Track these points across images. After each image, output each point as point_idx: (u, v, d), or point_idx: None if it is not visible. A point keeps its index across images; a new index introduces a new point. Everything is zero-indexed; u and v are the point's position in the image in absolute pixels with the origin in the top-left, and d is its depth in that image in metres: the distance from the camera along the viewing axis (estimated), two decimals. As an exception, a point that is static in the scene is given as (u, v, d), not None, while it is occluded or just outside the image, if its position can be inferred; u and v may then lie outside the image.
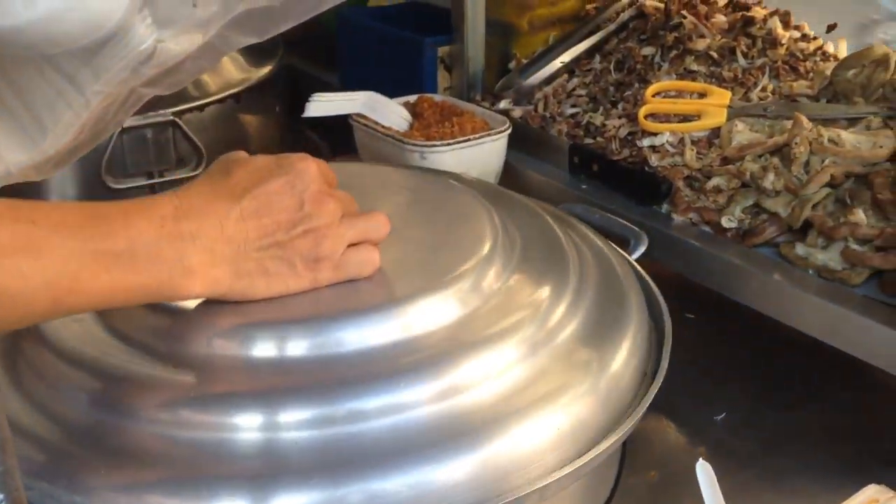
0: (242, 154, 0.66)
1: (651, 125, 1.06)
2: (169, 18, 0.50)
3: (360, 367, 0.63)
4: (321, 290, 0.66)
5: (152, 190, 1.17)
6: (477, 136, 1.09)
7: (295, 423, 0.59)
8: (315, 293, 0.66)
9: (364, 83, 1.34)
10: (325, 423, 0.59)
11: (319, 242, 0.64)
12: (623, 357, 0.71)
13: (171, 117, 1.15)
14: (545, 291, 0.72)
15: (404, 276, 0.70)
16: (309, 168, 0.64)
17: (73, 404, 0.62)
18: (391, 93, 1.20)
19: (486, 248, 0.72)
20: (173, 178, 1.18)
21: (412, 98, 1.21)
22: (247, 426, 0.59)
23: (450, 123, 1.12)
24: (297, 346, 0.63)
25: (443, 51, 1.30)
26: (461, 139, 1.08)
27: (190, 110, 1.17)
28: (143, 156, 1.16)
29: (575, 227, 0.89)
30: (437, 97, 1.22)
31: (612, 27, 1.27)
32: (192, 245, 0.59)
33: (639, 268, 0.85)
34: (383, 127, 1.13)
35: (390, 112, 1.16)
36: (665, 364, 0.71)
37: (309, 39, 1.44)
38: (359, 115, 1.15)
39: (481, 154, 1.10)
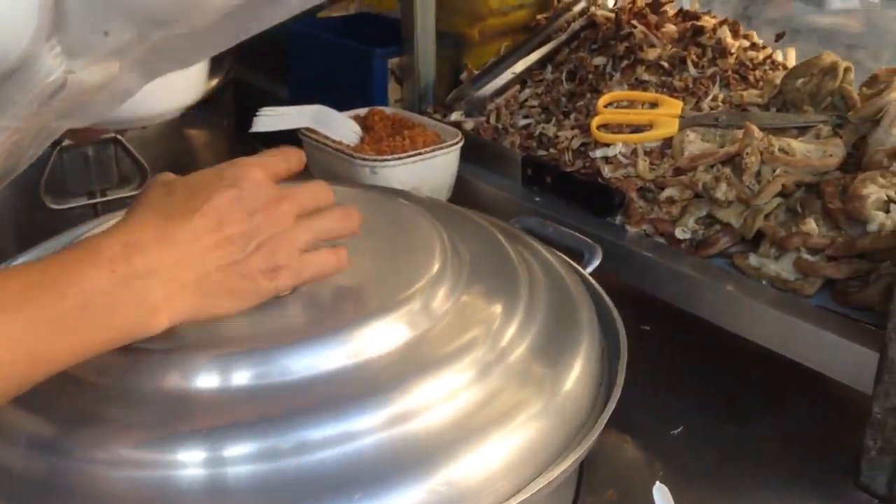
0: (170, 175, 0.63)
1: (603, 136, 1.05)
2: (80, 48, 0.48)
3: (307, 396, 0.60)
4: (266, 317, 0.64)
5: (94, 210, 1.13)
6: (428, 149, 1.08)
7: (240, 457, 0.57)
8: (260, 320, 0.64)
9: (315, 96, 1.31)
10: (271, 455, 0.57)
11: (275, 252, 0.61)
12: (576, 375, 0.69)
13: (113, 134, 1.12)
14: (496, 310, 0.71)
15: (351, 299, 0.68)
16: (252, 175, 0.61)
17: (14, 446, 0.59)
18: (342, 105, 1.18)
19: (435, 268, 0.71)
20: (116, 196, 1.14)
21: (363, 111, 1.20)
22: (191, 462, 0.56)
23: (401, 137, 1.10)
24: (242, 377, 0.61)
25: (393, 62, 1.28)
26: (412, 153, 1.06)
27: (133, 127, 1.14)
28: (84, 175, 1.13)
29: (526, 243, 0.88)
30: (388, 110, 1.21)
31: (563, 37, 1.26)
32: (151, 281, 0.56)
33: (593, 282, 0.84)
34: (333, 141, 1.12)
35: (340, 126, 1.14)
36: (620, 382, 0.70)
37: (258, 51, 1.41)
38: (308, 129, 1.13)
39: (433, 168, 1.08)
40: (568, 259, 0.87)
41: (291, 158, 0.65)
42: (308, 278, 0.64)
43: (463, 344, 0.67)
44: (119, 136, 1.12)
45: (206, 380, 0.60)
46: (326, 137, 1.12)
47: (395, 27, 1.29)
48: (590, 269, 0.89)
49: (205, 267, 0.59)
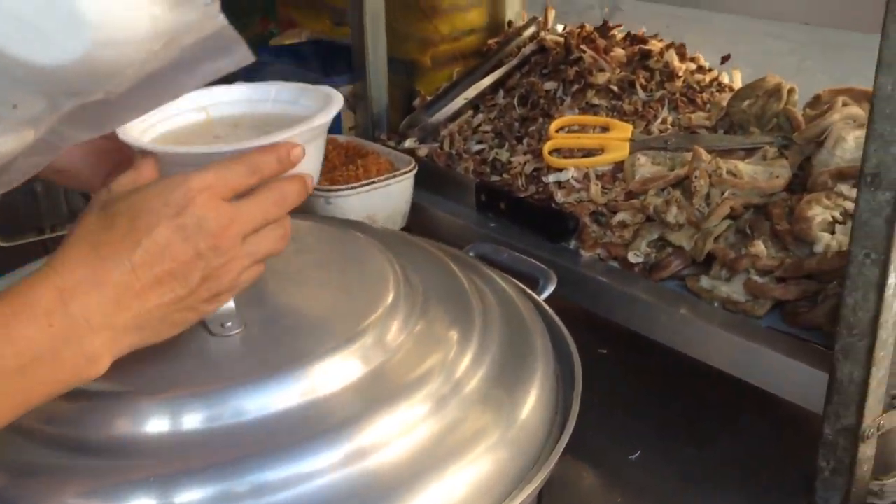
0: (112, 193, 0.59)
1: (555, 161, 1.06)
2: None
3: (261, 437, 0.60)
4: (217, 357, 0.63)
5: (44, 247, 1.11)
6: (382, 178, 1.08)
7: (194, 502, 0.56)
8: (210, 360, 0.63)
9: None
10: (226, 500, 0.56)
11: (219, 281, 0.60)
12: (532, 404, 0.69)
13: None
14: (450, 342, 0.71)
15: (304, 336, 0.68)
16: (199, 201, 0.58)
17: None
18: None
19: (388, 301, 0.70)
20: (65, 233, 1.12)
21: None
22: (144, 512, 0.55)
23: (354, 166, 1.10)
24: (193, 420, 0.60)
25: (346, 90, 1.28)
26: (366, 182, 1.06)
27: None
28: (33, 210, 1.11)
29: (480, 272, 0.88)
30: (342, 138, 1.21)
31: (514, 62, 1.27)
32: (88, 330, 0.54)
33: (547, 308, 0.85)
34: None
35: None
36: (575, 410, 0.70)
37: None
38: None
39: (388, 196, 1.08)
40: (522, 286, 0.87)
41: (264, 165, 0.61)
42: (244, 289, 0.63)
43: (418, 377, 0.66)
44: (67, 171, 1.10)
45: (157, 424, 0.59)
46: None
47: (347, 54, 1.29)
48: (544, 295, 0.89)
49: (145, 305, 0.57)
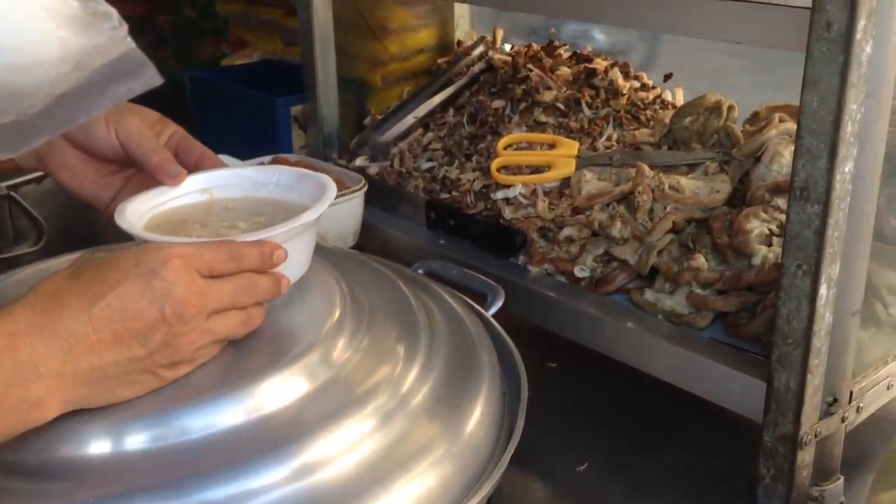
0: (98, 253, 0.61)
1: (503, 178, 1.07)
2: None
3: (207, 456, 0.60)
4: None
5: (-11, 268, 1.10)
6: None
7: (141, 524, 0.56)
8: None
9: (218, 144, 1.31)
10: (173, 520, 0.56)
11: (180, 349, 0.60)
12: (477, 418, 0.70)
13: (7, 191, 1.09)
14: (396, 357, 0.71)
15: (249, 354, 0.68)
16: (172, 266, 0.59)
17: None
18: (245, 154, 1.18)
19: (334, 318, 0.71)
20: (12, 254, 1.11)
21: (266, 159, 1.20)
22: (89, 534, 0.55)
23: (305, 185, 1.10)
24: (137, 440, 0.59)
25: (296, 109, 1.29)
26: (316, 200, 1.06)
27: (27, 182, 1.12)
28: (-23, 232, 1.10)
29: (428, 288, 0.89)
30: (293, 157, 1.21)
31: (463, 81, 1.29)
32: (35, 375, 0.54)
33: (494, 324, 0.86)
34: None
35: (243, 175, 1.14)
36: (520, 423, 0.71)
37: (157, 98, 1.40)
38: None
39: (338, 215, 1.09)
40: (470, 302, 0.88)
41: (245, 256, 0.64)
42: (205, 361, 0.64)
43: (364, 392, 0.67)
44: (13, 193, 1.10)
45: (101, 446, 0.59)
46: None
47: (297, 74, 1.30)
48: (492, 310, 0.90)
49: (99, 359, 0.57)
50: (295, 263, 0.73)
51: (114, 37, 0.49)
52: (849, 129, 0.65)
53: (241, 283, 0.64)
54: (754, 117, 1.06)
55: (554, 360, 1.03)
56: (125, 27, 0.50)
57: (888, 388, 0.80)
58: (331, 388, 0.67)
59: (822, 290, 0.69)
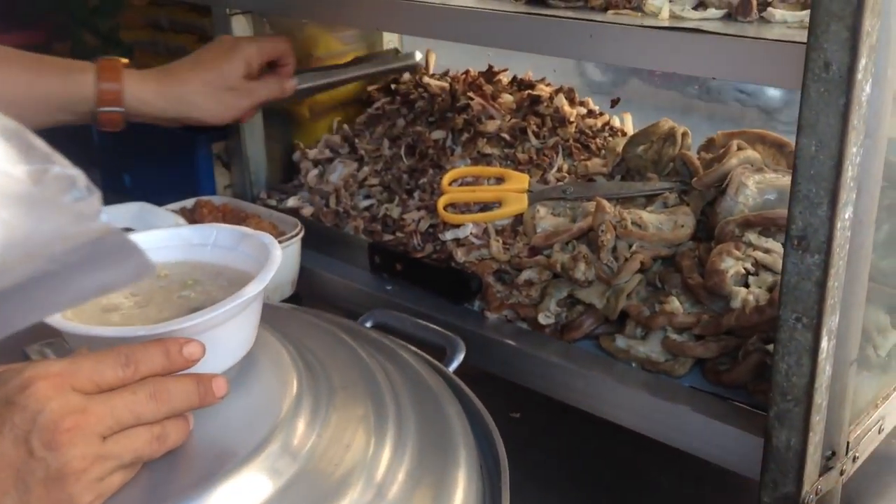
0: None
1: (451, 217, 1.00)
2: None
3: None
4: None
5: None
6: (267, 244, 0.99)
7: None
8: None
9: (130, 186, 1.20)
10: None
11: (69, 485, 0.49)
12: (461, 498, 0.64)
13: None
14: (365, 436, 0.64)
15: (201, 455, 0.59)
16: (34, 391, 0.49)
17: None
18: (164, 198, 1.08)
19: (290, 397, 0.63)
20: None
21: (189, 203, 1.10)
22: None
23: (235, 232, 1.01)
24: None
25: (218, 147, 1.19)
26: (250, 250, 0.98)
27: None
28: None
29: (382, 346, 0.81)
30: (217, 199, 1.12)
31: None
32: None
33: (460, 383, 0.78)
34: (158, 242, 1.01)
35: (163, 223, 1.04)
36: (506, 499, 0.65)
37: (58, 137, 1.28)
38: (127, 229, 1.02)
39: (274, 264, 1.00)
40: (429, 358, 0.81)
41: (144, 360, 0.54)
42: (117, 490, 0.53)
43: (336, 484, 0.59)
44: None
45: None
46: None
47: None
48: (453, 366, 0.83)
49: None
50: (236, 346, 0.65)
51: (80, 214, 0.38)
52: (849, 173, 0.60)
53: (144, 391, 0.53)
54: (710, 144, 1.02)
55: (517, 410, 0.97)
56: (97, 197, 0.39)
57: (879, 432, 0.77)
58: (298, 485, 0.59)
59: (824, 343, 0.64)
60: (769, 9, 0.75)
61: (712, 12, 0.77)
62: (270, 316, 0.80)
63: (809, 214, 0.61)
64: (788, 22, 0.74)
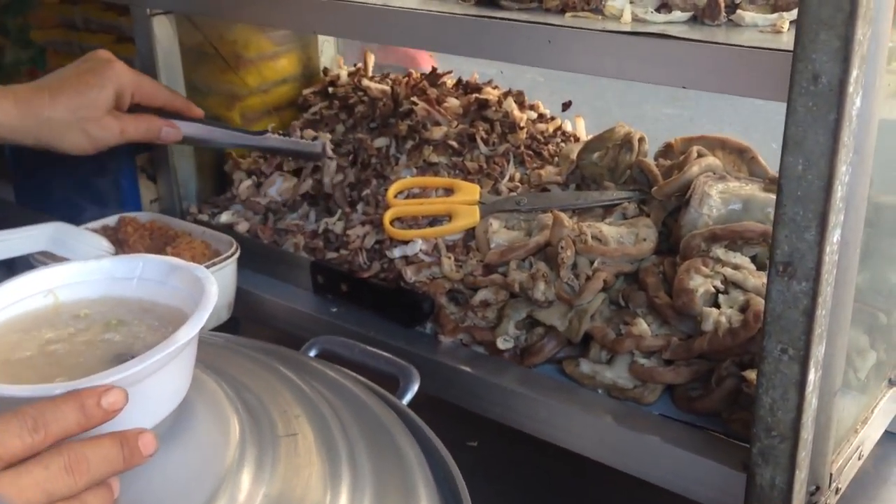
0: None
1: (398, 232, 0.94)
2: None
3: None
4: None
5: None
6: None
7: None
8: None
9: (46, 203, 1.11)
10: None
11: None
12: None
13: None
14: (318, 486, 0.58)
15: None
16: None
17: None
18: (82, 215, 0.99)
19: (232, 447, 0.57)
20: None
21: (112, 220, 1.01)
22: None
23: (162, 254, 0.93)
24: None
25: (142, 158, 1.10)
26: (180, 275, 0.89)
27: None
28: None
29: (329, 380, 0.75)
30: (143, 216, 1.03)
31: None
32: None
33: (414, 417, 0.72)
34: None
35: (84, 245, 0.95)
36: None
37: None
38: (43, 253, 0.92)
39: (207, 288, 0.92)
40: (380, 390, 0.75)
41: (54, 421, 0.46)
42: None
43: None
44: None
45: None
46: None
47: (139, 111, 1.10)
48: (407, 398, 0.77)
49: None
50: (168, 396, 0.57)
51: None
52: (839, 194, 0.55)
53: (57, 463, 0.47)
54: (668, 149, 0.97)
55: (474, 438, 0.91)
56: None
57: (859, 459, 0.73)
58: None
59: (811, 375, 0.60)
60: (738, 11, 0.70)
61: (677, 15, 0.72)
62: (204, 352, 0.72)
63: (796, 239, 0.57)
64: (759, 25, 0.69)
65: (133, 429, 0.51)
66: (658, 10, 0.74)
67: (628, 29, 0.70)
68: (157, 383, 0.56)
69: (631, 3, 0.75)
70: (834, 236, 0.57)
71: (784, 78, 0.56)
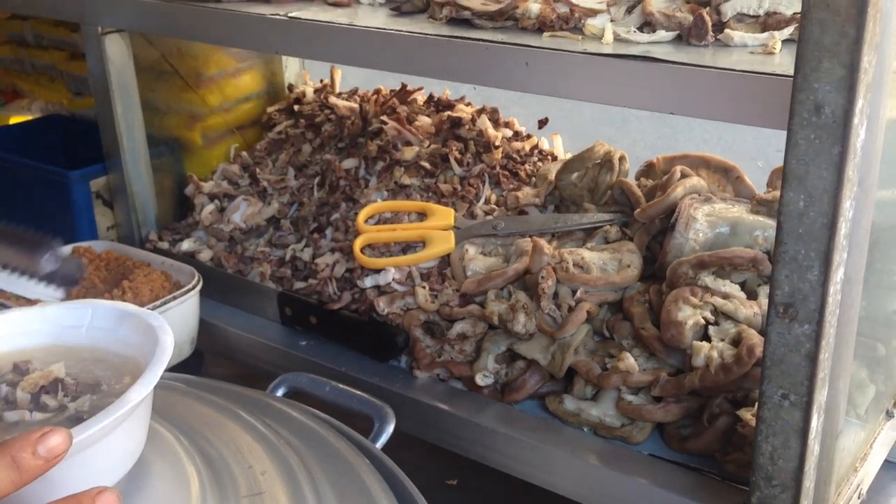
0: None
1: (370, 261, 0.89)
2: None
3: None
4: None
5: None
6: (159, 301, 0.86)
7: None
8: None
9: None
10: None
11: None
12: None
13: None
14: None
15: None
16: None
17: None
18: (36, 246, 0.93)
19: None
20: None
21: (65, 250, 0.95)
22: None
23: (119, 289, 0.88)
24: None
25: (98, 183, 1.04)
26: (138, 311, 0.84)
27: None
28: None
29: (297, 425, 0.70)
30: (99, 245, 0.97)
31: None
32: None
33: (390, 464, 0.68)
34: (28, 302, 0.87)
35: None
36: None
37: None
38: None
39: (167, 323, 0.87)
40: (352, 433, 0.70)
41: None
42: None
43: None
44: None
45: None
46: (19, 298, 0.87)
47: (94, 131, 1.04)
48: (381, 440, 0.72)
49: None
50: (121, 459, 0.52)
51: None
52: (843, 231, 0.52)
53: None
54: (650, 169, 0.93)
55: (454, 476, 0.87)
56: None
57: (859, 498, 0.70)
58: None
59: (814, 422, 0.56)
60: (726, 30, 0.67)
61: (662, 34, 0.68)
62: (162, 400, 0.67)
63: (798, 279, 0.53)
64: (749, 46, 0.65)
65: (93, 488, 0.46)
66: (641, 28, 0.70)
67: (609, 50, 0.66)
68: (108, 446, 0.51)
69: (612, 21, 0.71)
70: (838, 276, 0.53)
71: (779, 104, 0.53)
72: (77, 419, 0.52)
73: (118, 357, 0.58)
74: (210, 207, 1.04)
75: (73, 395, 0.54)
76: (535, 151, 1.02)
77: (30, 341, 0.60)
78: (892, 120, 0.56)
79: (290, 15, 0.81)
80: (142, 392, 0.51)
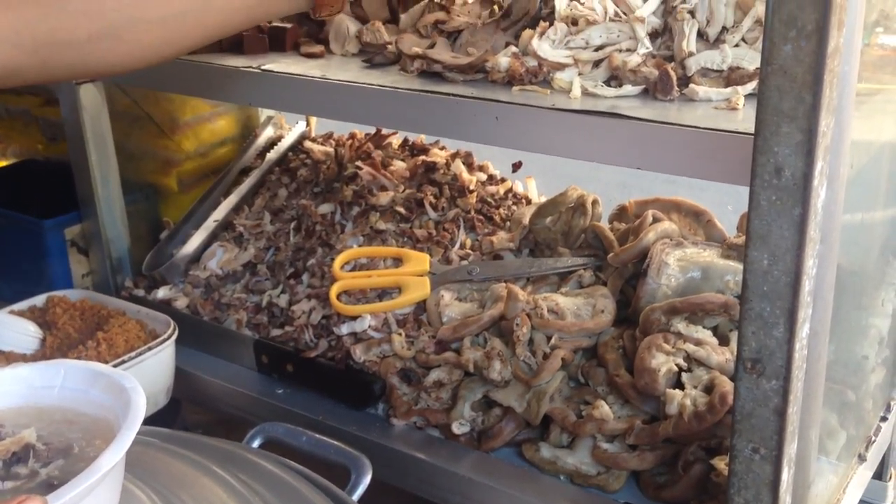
0: None
1: (346, 308, 0.89)
2: None
3: None
4: None
5: None
6: (134, 353, 0.86)
7: None
8: None
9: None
10: None
11: None
12: None
13: None
14: None
15: None
16: None
17: None
18: (6, 294, 0.93)
19: None
20: None
21: (39, 300, 0.95)
22: None
23: (94, 340, 0.87)
24: None
25: (72, 231, 1.04)
26: (114, 363, 0.84)
27: None
28: None
29: (274, 479, 0.69)
30: (74, 294, 0.97)
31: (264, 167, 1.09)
32: None
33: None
34: (1, 354, 0.87)
35: (8, 330, 0.89)
36: None
37: None
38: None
39: (142, 375, 0.86)
40: (328, 486, 0.70)
41: None
42: None
43: None
44: None
45: None
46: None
47: (69, 176, 1.04)
48: (358, 492, 0.72)
49: None
50: None
51: None
52: (807, 288, 0.53)
53: None
54: (622, 212, 0.94)
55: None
56: None
57: (833, 543, 0.70)
58: None
59: (784, 474, 0.56)
60: (691, 85, 0.68)
61: (628, 89, 0.69)
62: (136, 456, 0.66)
63: (764, 335, 0.54)
64: (714, 101, 0.67)
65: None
66: (608, 83, 0.71)
67: (577, 105, 0.67)
68: None
69: (580, 75, 0.72)
70: (803, 331, 0.54)
71: (742, 161, 0.54)
72: (48, 485, 0.51)
73: (89, 419, 0.58)
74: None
75: (45, 461, 0.54)
76: (510, 195, 1.02)
77: (1, 403, 0.59)
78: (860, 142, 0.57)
79: (262, 67, 0.82)
80: (113, 459, 0.51)
